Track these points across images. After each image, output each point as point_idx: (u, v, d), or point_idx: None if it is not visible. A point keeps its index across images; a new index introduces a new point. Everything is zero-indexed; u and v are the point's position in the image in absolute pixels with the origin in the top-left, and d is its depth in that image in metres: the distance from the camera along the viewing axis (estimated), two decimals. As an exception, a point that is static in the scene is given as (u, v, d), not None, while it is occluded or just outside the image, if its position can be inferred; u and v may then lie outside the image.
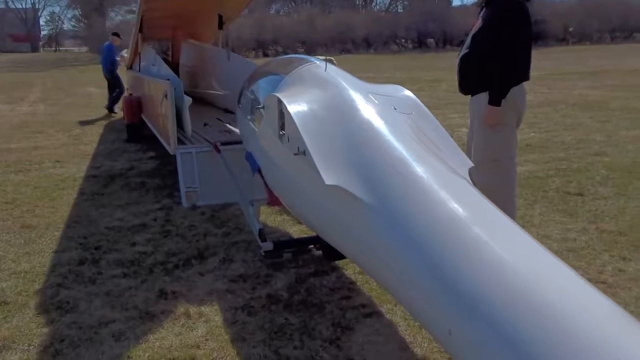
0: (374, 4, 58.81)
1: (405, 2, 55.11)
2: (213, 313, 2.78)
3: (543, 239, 3.57)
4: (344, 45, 42.42)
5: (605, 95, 11.55)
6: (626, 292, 2.84)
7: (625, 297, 2.77)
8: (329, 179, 1.90)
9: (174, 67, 8.66)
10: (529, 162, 5.79)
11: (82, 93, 16.11)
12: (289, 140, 2.27)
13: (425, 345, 2.40)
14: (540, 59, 25.48)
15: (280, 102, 2.33)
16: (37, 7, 66.22)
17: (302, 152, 2.09)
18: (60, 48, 65.81)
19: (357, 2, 57.83)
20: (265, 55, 36.44)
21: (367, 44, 43.68)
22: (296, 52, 34.92)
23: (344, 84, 2.40)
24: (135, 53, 7.99)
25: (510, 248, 1.56)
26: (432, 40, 46.67)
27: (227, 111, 6.59)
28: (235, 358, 2.37)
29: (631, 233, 3.65)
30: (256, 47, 40.51)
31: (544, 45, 41.44)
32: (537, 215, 4.09)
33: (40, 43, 66.81)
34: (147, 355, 2.42)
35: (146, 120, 7.05)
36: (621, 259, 3.25)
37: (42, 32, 69.79)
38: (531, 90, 12.87)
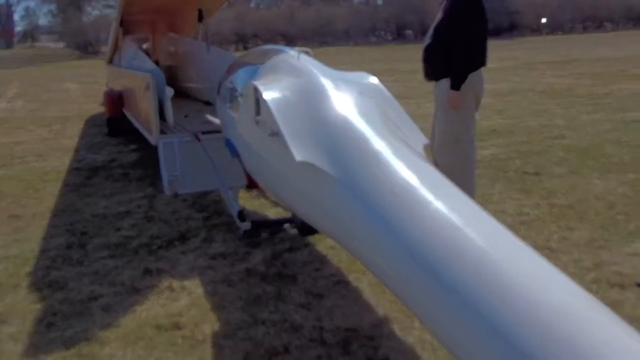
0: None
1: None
2: (195, 286, 3.02)
3: (499, 213, 3.87)
4: (324, 38, 42.56)
5: (572, 82, 11.97)
6: (567, 255, 3.16)
7: (566, 260, 3.09)
8: (299, 155, 2.13)
9: (154, 61, 8.78)
10: (493, 145, 6.11)
11: (60, 89, 16.08)
12: (264, 124, 2.50)
13: (387, 306, 2.67)
14: (515, 49, 26.09)
15: (256, 89, 2.56)
16: (10, 2, 65.03)
17: (276, 134, 2.33)
18: (36, 44, 64.73)
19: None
20: (246, 48, 36.46)
21: (347, 37, 43.90)
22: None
23: (315, 71, 2.63)
24: (115, 47, 8.11)
25: (451, 208, 1.81)
26: (410, 31, 47.04)
27: (207, 103, 6.78)
28: (216, 323, 2.62)
29: (579, 206, 3.98)
30: (237, 40, 40.50)
31: (519, 35, 42.10)
32: (496, 193, 4.40)
33: (15, 39, 65.62)
34: (134, 323, 2.65)
35: (127, 114, 7.19)
36: (567, 228, 3.58)
37: (17, 28, 68.57)
38: (503, 79, 13.32)
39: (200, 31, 7.49)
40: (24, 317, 2.77)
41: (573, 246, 3.29)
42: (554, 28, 45.95)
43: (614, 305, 2.57)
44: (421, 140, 2.31)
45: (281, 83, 2.56)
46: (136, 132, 6.25)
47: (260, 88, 2.49)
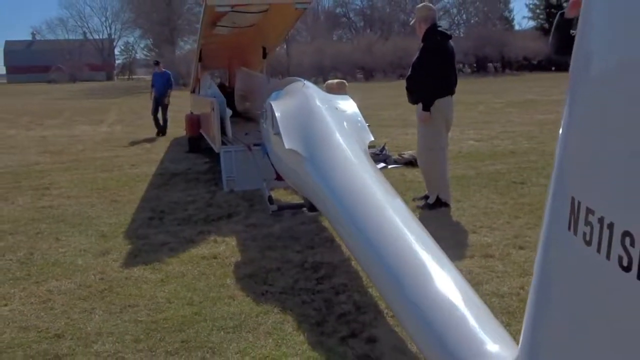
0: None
1: (465, 26, 55.75)
2: (231, 240, 4.37)
3: (471, 207, 4.95)
4: (403, 70, 43.40)
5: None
6: (499, 231, 4.23)
7: (496, 233, 4.15)
8: (287, 145, 3.44)
9: (231, 91, 10.47)
10: (503, 163, 7.08)
11: (152, 116, 18.34)
12: (275, 128, 3.84)
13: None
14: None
15: (271, 106, 3.92)
16: (112, 37, 71.61)
17: (278, 133, 3.66)
18: (133, 76, 70.76)
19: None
20: (325, 80, 38.25)
21: (426, 70, 44.39)
22: (355, 78, 36.94)
23: (311, 93, 3.95)
24: (197, 79, 9.90)
25: (364, 174, 2.99)
26: (490, 64, 46.84)
27: None
28: (239, 257, 3.95)
29: (536, 204, 4.95)
30: (317, 73, 42.56)
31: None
32: (478, 195, 5.44)
33: (115, 71, 71.93)
34: (188, 256, 4.03)
35: (202, 133, 8.85)
36: (514, 217, 4.60)
37: (117, 61, 75.21)
38: (555, 111, 13.91)
39: (264, 65, 9.08)
40: (120, 251, 4.24)
41: (509, 227, 4.33)
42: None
43: (510, 256, 3.66)
44: (368, 138, 3.56)
45: (287, 101, 3.91)
46: (211, 149, 7.81)
47: (273, 105, 3.85)
